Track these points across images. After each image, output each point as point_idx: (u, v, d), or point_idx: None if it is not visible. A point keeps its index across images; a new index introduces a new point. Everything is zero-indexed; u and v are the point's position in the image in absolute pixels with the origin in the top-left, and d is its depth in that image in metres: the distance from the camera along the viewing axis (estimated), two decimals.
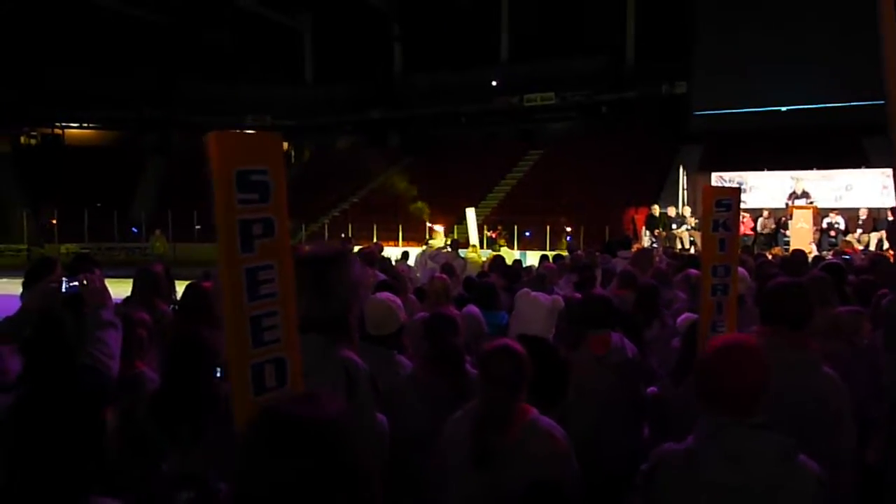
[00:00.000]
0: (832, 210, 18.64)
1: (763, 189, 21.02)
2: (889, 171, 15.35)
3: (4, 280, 14.80)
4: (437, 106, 34.91)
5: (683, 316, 4.77)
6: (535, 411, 2.70)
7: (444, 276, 6.40)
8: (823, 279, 4.57)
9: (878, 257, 8.53)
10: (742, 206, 3.95)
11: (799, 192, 19.10)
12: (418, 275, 12.47)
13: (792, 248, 14.41)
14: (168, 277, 5.09)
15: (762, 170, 21.61)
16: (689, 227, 18.70)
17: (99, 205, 29.94)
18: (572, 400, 3.19)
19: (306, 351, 2.22)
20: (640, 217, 21.87)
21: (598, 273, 8.01)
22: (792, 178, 20.07)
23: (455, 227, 23.48)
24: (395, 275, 7.12)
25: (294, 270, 2.33)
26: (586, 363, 3.79)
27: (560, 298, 4.62)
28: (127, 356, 3.02)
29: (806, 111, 26.22)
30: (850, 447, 2.98)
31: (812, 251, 14.78)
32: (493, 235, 22.27)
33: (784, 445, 2.12)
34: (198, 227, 25.77)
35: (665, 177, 25.92)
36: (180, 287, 4.75)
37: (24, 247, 27.99)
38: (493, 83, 34.79)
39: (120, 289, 3.88)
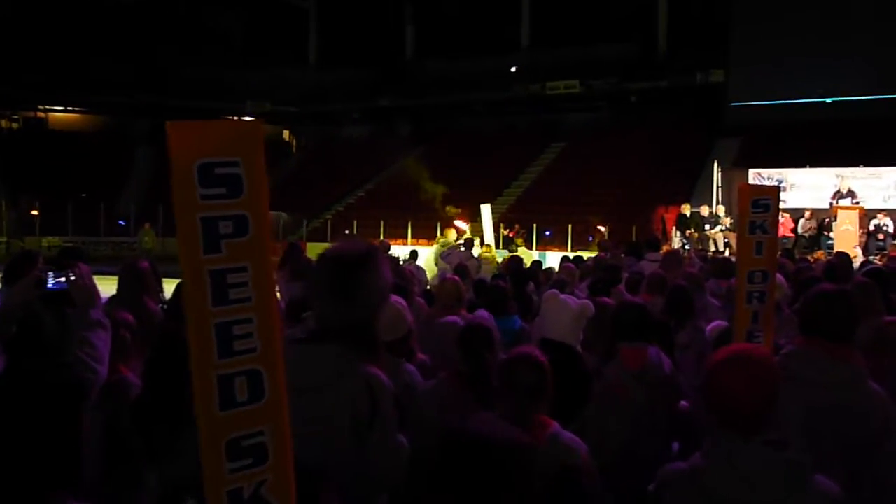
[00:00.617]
0: (880, 211, 18.53)
1: (805, 187, 20.91)
2: None
3: None
4: (452, 93, 34.89)
5: (713, 324, 4.75)
6: (556, 425, 2.75)
7: (457, 277, 6.39)
8: (868, 286, 4.54)
9: None
10: (781, 205, 3.93)
11: (844, 191, 18.99)
12: (429, 276, 12.49)
13: (836, 252, 14.33)
14: (156, 274, 5.11)
15: (804, 166, 21.49)
16: (723, 228, 18.64)
17: (84, 195, 30.10)
18: (603, 416, 3.19)
19: (322, 363, 2.20)
20: (670, 216, 21.82)
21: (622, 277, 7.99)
22: (837, 175, 19.96)
23: (469, 224, 23.45)
24: (403, 275, 7.12)
25: (317, 269, 2.32)
26: (619, 379, 3.78)
27: (590, 304, 4.61)
28: (109, 360, 3.04)
29: (853, 103, 26.02)
30: None
31: (858, 256, 14.69)
32: (511, 234, 22.25)
33: (796, 464, 2.12)
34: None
35: (698, 173, 25.82)
36: (170, 285, 4.77)
37: (3, 239, 28.08)
38: (513, 69, 34.76)
39: (105, 286, 3.89)
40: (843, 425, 2.87)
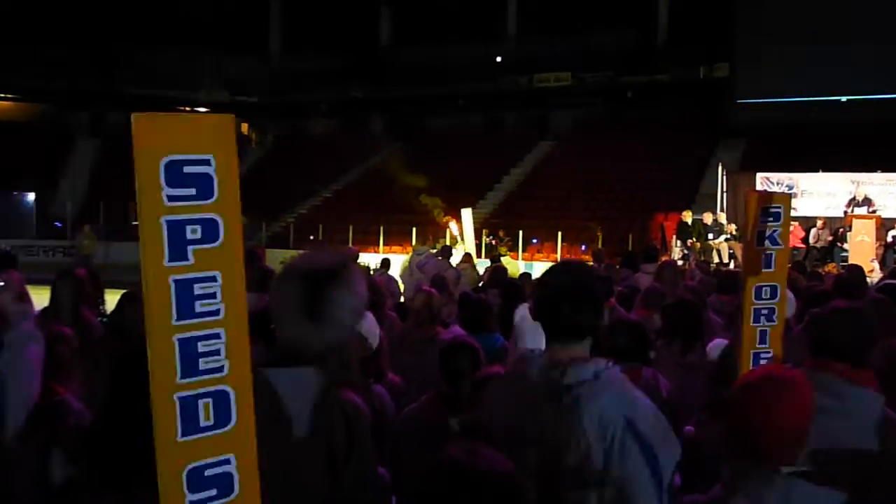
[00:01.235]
0: None
1: (817, 194, 21.11)
2: None
3: None
4: (431, 86, 34.93)
5: (714, 342, 4.78)
6: None
7: (433, 289, 6.38)
8: (884, 303, 4.57)
9: None
10: (792, 213, 3.96)
11: (860, 198, 19.17)
12: (402, 287, 12.48)
13: (849, 264, 14.47)
14: (95, 283, 5.07)
15: (816, 171, 21.70)
16: (728, 237, 18.77)
17: (15, 193, 29.77)
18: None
19: (293, 389, 2.16)
20: (670, 224, 21.93)
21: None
22: (852, 181, 20.13)
23: (447, 230, 23.48)
24: (373, 287, 7.10)
25: (282, 284, 2.29)
26: None
27: None
28: (44, 379, 3.00)
29: (871, 103, 26.28)
30: None
31: (874, 269, 14.85)
32: (494, 242, 22.30)
33: (826, 499, 2.12)
34: (136, 223, 25.61)
35: (701, 177, 26.02)
36: (113, 296, 4.73)
37: None
38: (498, 59, 34.88)
39: (37, 297, 3.84)
40: (857, 457, 2.88)
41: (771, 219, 3.60)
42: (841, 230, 18.61)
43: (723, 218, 19.62)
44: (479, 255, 18.78)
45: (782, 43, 26.53)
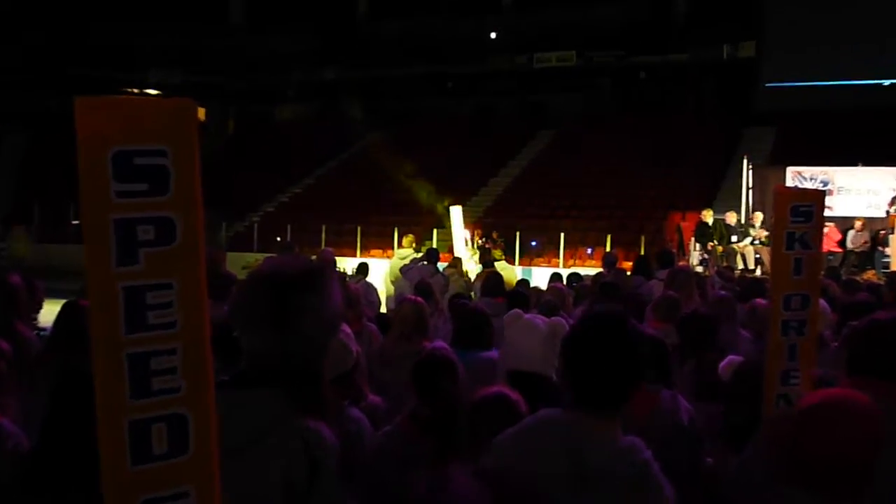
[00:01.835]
0: None
1: (855, 191, 21.17)
2: None
3: None
4: (415, 65, 34.97)
5: (727, 360, 4.80)
6: None
7: (419, 298, 6.39)
8: None
9: None
10: (826, 213, 3.99)
11: None
12: (384, 296, 12.48)
13: (892, 271, 14.53)
14: (31, 291, 5.06)
15: (855, 164, 21.76)
16: (755, 241, 18.79)
17: None
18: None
19: (248, 415, 2.13)
20: (688, 225, 21.96)
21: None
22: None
23: (434, 231, 23.47)
24: (349, 295, 7.11)
25: (245, 291, 2.28)
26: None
27: (563, 321, 4.61)
28: None
29: None
30: None
31: None
32: (487, 245, 22.28)
33: None
34: (75, 222, 25.58)
35: (723, 171, 26.12)
36: (52, 306, 4.73)
37: None
38: (492, 36, 34.91)
39: None
40: None
41: (802, 219, 3.60)
42: (882, 232, 18.66)
43: (758, 220, 19.47)
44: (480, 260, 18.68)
45: (817, 19, 26.60)
